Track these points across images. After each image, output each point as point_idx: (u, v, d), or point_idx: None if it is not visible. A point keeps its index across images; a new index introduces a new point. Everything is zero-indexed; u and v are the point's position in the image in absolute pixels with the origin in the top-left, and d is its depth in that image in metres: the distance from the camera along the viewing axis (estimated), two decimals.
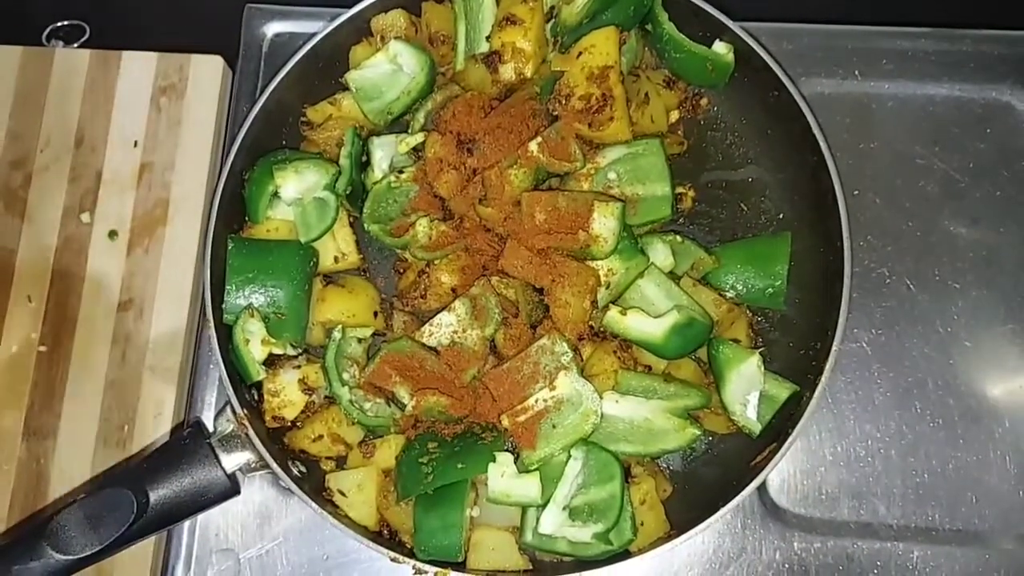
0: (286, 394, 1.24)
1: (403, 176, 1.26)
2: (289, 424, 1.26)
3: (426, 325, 1.22)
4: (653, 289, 1.23)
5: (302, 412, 1.26)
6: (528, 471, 1.17)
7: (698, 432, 1.20)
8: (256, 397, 1.26)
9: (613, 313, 1.20)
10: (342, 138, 1.31)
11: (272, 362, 1.27)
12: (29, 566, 1.00)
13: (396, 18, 1.34)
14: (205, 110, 1.48)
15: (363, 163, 1.32)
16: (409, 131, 1.31)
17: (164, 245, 1.43)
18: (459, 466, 1.15)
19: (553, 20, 1.30)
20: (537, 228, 1.19)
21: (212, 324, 1.22)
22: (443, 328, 1.22)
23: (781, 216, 1.36)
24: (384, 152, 1.30)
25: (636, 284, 1.23)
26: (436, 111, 1.28)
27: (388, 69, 1.31)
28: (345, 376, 1.24)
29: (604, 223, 1.18)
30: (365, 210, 1.28)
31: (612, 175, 1.27)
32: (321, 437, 1.24)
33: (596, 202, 1.18)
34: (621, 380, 1.21)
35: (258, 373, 1.25)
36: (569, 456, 1.18)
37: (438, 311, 1.23)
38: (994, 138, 1.44)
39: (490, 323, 1.22)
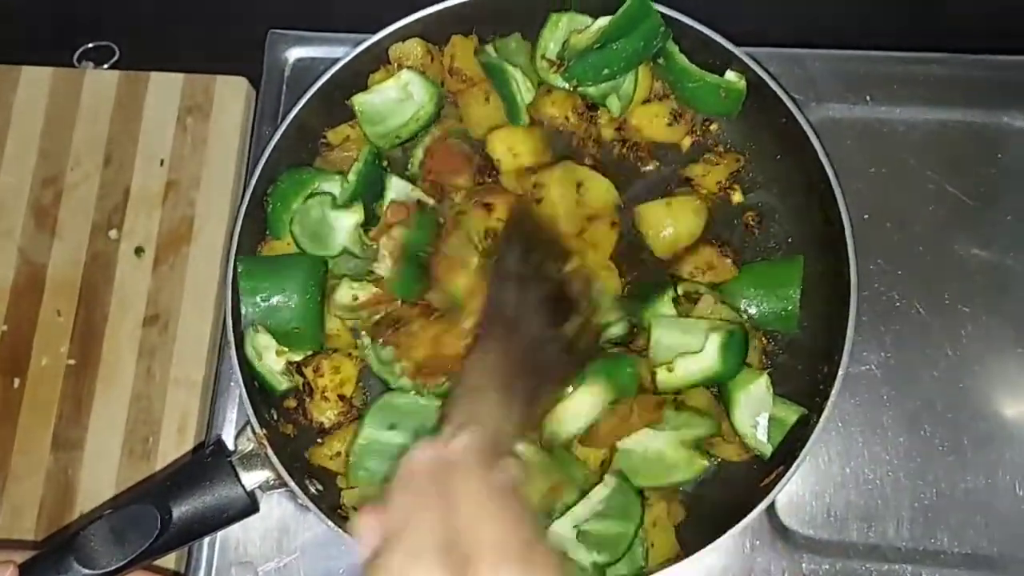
0: (345, 369, 1.28)
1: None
2: (318, 428, 1.29)
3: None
4: (669, 335, 1.24)
5: (326, 430, 1.29)
6: None
7: (707, 464, 1.22)
8: (275, 416, 1.29)
9: (662, 375, 1.21)
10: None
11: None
12: None
13: (412, 47, 1.36)
14: (229, 130, 1.52)
15: (379, 192, 1.33)
16: (408, 167, 1.36)
17: (189, 261, 1.47)
18: None
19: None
20: None
21: (233, 346, 1.25)
22: None
23: (790, 240, 1.37)
24: (396, 193, 1.32)
25: (655, 339, 1.24)
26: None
27: (396, 96, 1.34)
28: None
29: None
30: None
31: None
32: (339, 454, 1.26)
33: None
34: None
35: (281, 383, 1.27)
36: (600, 479, 1.20)
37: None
38: (1005, 163, 1.44)
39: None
